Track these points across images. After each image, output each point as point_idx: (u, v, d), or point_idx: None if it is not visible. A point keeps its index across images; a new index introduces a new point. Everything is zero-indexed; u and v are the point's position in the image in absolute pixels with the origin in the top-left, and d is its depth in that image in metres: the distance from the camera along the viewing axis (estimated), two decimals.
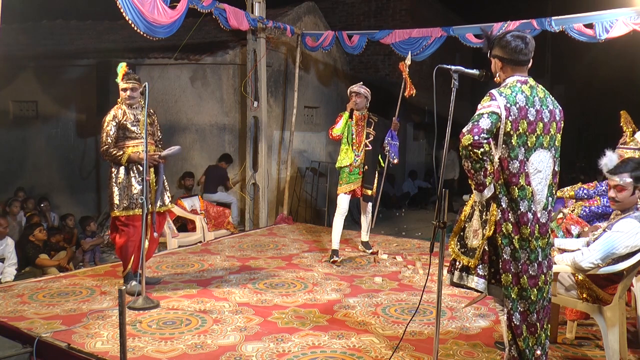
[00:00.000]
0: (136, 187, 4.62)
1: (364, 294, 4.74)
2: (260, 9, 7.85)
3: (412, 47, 7.61)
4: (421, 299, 3.33)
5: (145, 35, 5.50)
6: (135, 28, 5.35)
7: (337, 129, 5.79)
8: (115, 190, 4.59)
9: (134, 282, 4.61)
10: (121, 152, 4.57)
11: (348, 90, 6.00)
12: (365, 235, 6.34)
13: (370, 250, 6.27)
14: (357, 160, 5.84)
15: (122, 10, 5.14)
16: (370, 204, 6.16)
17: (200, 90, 8.49)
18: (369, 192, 5.98)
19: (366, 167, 5.90)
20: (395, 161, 6.06)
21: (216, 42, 8.74)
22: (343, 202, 5.85)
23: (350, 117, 5.84)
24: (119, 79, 4.64)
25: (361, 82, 6.13)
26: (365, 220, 6.25)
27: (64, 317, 4.04)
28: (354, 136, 5.86)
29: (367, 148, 5.90)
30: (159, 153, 4.70)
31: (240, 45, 8.40)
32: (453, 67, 2.85)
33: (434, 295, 3.84)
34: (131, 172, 4.63)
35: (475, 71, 2.89)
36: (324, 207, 9.62)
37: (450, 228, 3.03)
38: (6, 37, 6.01)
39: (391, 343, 3.64)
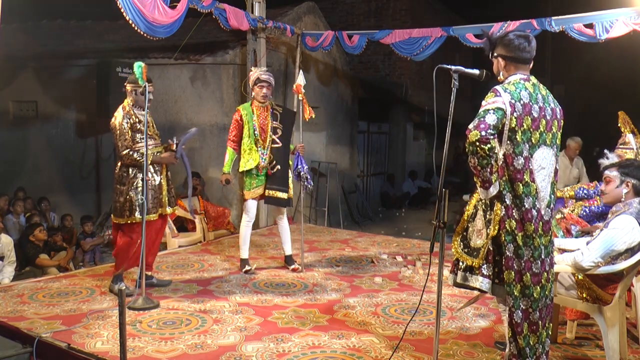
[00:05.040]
0: (155, 189, 4.52)
1: (364, 294, 4.74)
2: (260, 9, 7.85)
3: (412, 47, 7.62)
4: (421, 299, 3.33)
5: (145, 35, 5.49)
6: (136, 28, 5.35)
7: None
8: (133, 194, 4.41)
9: (122, 284, 4.54)
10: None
11: (252, 78, 5.20)
12: (288, 248, 5.46)
13: (292, 267, 5.42)
14: (264, 160, 5.14)
15: (122, 10, 5.14)
16: (284, 209, 5.34)
17: (200, 90, 8.49)
18: (284, 195, 5.20)
19: (278, 167, 5.16)
20: (310, 188, 5.45)
21: (216, 42, 8.73)
22: (252, 208, 5.25)
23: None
24: (143, 81, 4.30)
25: (265, 68, 5.38)
26: (285, 232, 5.39)
27: (64, 317, 4.04)
28: (256, 132, 5.12)
29: (276, 145, 5.18)
30: (174, 150, 4.56)
31: (240, 45, 8.40)
32: (453, 67, 2.86)
33: (434, 295, 3.83)
34: (149, 175, 4.50)
35: (475, 71, 2.89)
36: (324, 207, 9.60)
37: (451, 227, 3.04)
38: (6, 37, 6.01)
39: (391, 343, 3.64)
